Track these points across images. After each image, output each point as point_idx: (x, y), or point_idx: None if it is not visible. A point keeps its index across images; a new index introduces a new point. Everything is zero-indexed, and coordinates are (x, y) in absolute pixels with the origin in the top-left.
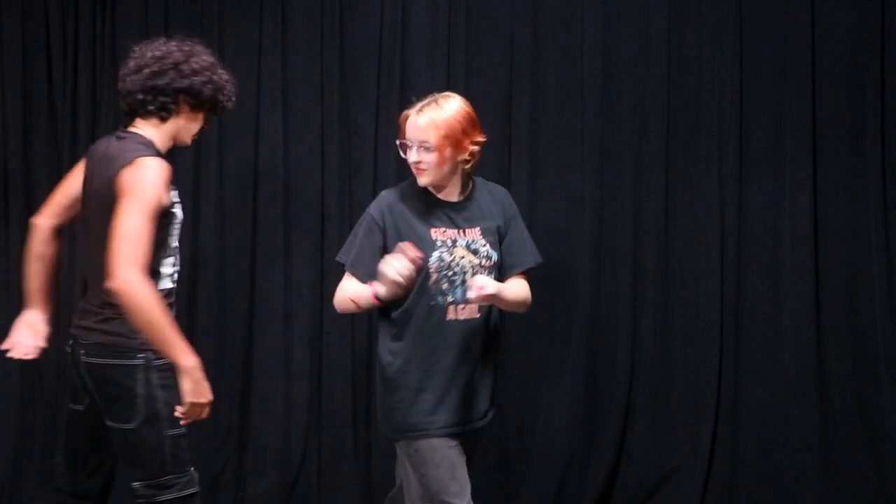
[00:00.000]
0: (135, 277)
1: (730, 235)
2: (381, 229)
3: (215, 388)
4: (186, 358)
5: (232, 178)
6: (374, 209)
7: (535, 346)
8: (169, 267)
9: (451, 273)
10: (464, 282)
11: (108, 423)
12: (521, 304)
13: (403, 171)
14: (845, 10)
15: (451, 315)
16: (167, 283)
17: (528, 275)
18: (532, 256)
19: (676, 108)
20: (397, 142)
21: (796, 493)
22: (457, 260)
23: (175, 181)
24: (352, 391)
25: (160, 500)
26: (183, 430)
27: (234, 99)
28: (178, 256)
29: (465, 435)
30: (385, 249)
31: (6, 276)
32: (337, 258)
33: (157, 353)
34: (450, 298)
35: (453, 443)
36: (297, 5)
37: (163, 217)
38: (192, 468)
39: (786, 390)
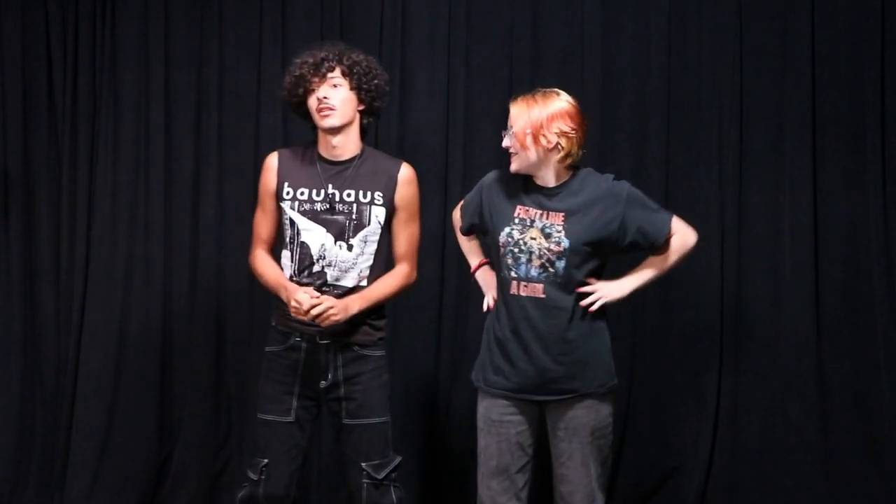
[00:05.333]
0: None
1: (730, 235)
2: (480, 194)
3: (215, 389)
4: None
5: (232, 178)
6: (485, 178)
7: None
8: (286, 259)
9: (517, 250)
10: (529, 260)
11: None
12: (677, 262)
13: None
14: (845, 10)
15: (513, 290)
16: (287, 273)
17: (675, 227)
18: (663, 224)
19: (676, 108)
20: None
21: (796, 493)
22: (526, 239)
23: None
24: None
25: None
26: (263, 417)
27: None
28: (296, 253)
29: (526, 402)
30: (481, 211)
31: (6, 275)
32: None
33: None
34: (513, 273)
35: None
36: (297, 5)
37: (275, 208)
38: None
39: (786, 390)
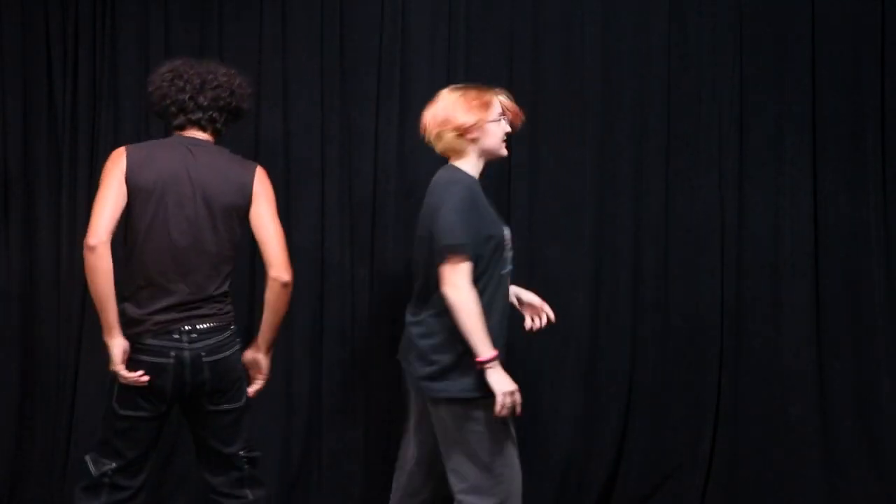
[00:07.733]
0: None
1: (730, 235)
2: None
3: None
4: None
5: None
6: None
7: (535, 345)
8: None
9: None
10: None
11: (220, 406)
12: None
13: (404, 172)
14: (845, 10)
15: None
16: None
17: None
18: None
19: (676, 108)
20: (499, 118)
21: (796, 493)
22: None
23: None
24: (352, 391)
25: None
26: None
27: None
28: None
29: None
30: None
31: (6, 275)
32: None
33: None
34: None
35: None
36: (298, 5)
37: None
38: None
39: (786, 390)
